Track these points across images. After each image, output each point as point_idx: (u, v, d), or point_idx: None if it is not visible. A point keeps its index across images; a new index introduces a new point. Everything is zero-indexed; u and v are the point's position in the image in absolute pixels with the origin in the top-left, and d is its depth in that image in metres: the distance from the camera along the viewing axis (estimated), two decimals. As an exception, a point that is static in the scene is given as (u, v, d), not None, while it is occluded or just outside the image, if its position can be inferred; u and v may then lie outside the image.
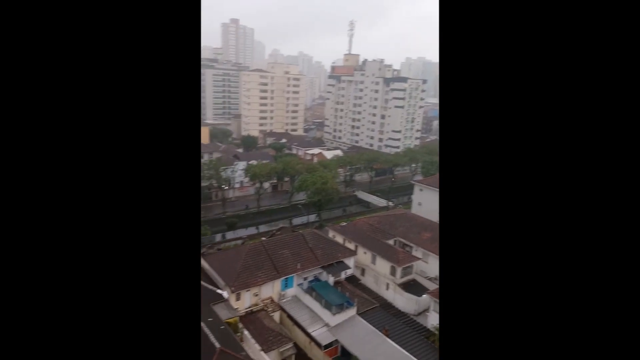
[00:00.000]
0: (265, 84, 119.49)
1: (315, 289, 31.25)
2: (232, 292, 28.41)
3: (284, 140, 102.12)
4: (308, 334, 28.35)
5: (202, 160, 64.93)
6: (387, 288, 34.27)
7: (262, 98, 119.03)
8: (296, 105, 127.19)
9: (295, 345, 27.51)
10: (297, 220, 59.90)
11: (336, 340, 27.82)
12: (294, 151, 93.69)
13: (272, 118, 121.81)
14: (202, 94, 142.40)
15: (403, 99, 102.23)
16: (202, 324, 22.89)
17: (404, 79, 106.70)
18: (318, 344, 27.62)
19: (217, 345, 21.49)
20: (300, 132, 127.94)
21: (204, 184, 60.26)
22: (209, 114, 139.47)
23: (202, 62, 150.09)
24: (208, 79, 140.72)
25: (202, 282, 28.82)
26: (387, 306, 32.63)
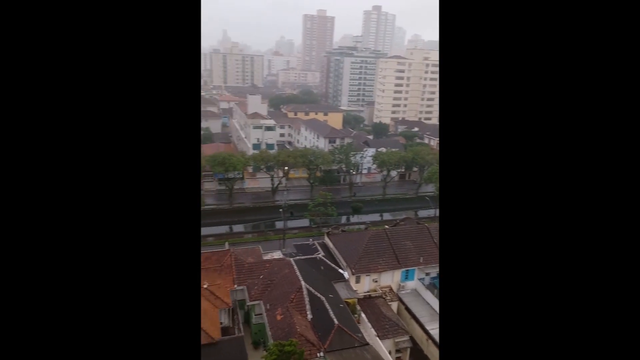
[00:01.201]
0: (402, 71, 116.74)
1: (437, 286, 29.74)
2: (353, 274, 29.16)
3: (416, 129, 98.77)
4: (426, 331, 27.24)
5: (333, 145, 67.75)
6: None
7: (397, 85, 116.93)
8: (433, 92, 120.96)
9: (412, 339, 26.80)
10: (423, 213, 57.57)
11: (456, 344, 26.04)
12: (426, 140, 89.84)
13: (405, 106, 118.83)
14: (339, 81, 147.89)
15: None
16: (323, 299, 24.16)
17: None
18: (436, 343, 26.33)
19: (336, 321, 22.43)
20: (434, 121, 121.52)
21: (333, 167, 62.89)
22: (344, 101, 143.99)
23: (341, 51, 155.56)
24: (346, 66, 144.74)
25: (325, 260, 30.34)
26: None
